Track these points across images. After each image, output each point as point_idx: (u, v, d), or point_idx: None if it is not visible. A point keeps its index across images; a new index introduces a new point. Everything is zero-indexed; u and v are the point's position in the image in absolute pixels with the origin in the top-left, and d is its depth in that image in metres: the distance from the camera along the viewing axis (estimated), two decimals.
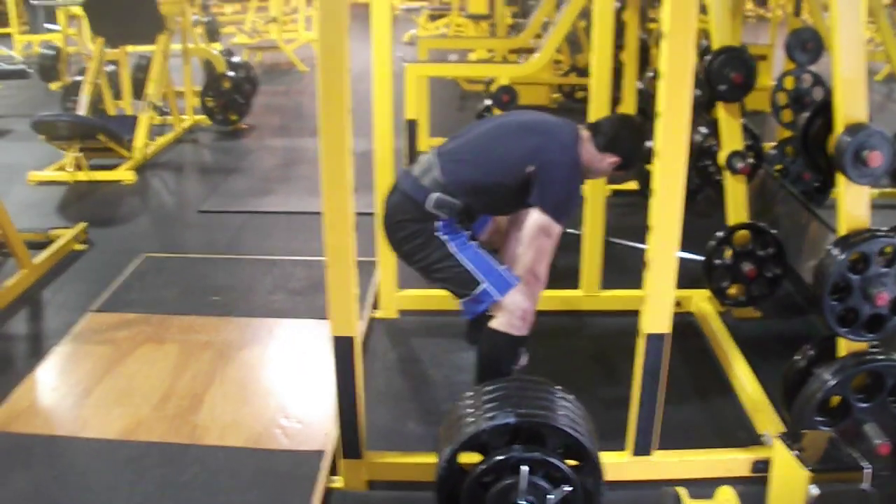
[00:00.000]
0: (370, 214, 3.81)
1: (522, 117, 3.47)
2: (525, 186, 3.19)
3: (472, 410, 2.60)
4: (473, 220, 3.46)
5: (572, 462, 2.54)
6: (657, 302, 2.72)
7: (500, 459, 2.48)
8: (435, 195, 3.19)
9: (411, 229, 3.25)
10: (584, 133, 3.34)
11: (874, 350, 3.01)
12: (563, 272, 4.43)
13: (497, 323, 3.19)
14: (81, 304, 4.48)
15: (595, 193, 4.19)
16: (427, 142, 6.74)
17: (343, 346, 2.72)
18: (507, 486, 2.47)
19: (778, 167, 5.10)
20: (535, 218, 3.16)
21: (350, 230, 2.57)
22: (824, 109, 3.14)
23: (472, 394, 2.70)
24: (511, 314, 3.15)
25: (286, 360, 3.97)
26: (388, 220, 3.35)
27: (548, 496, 2.44)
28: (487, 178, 3.24)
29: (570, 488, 2.47)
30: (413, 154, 4.91)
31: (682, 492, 2.10)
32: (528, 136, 3.28)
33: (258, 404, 3.57)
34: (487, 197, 3.28)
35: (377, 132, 3.95)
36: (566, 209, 3.22)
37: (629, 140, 3.34)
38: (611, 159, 3.30)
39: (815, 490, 1.66)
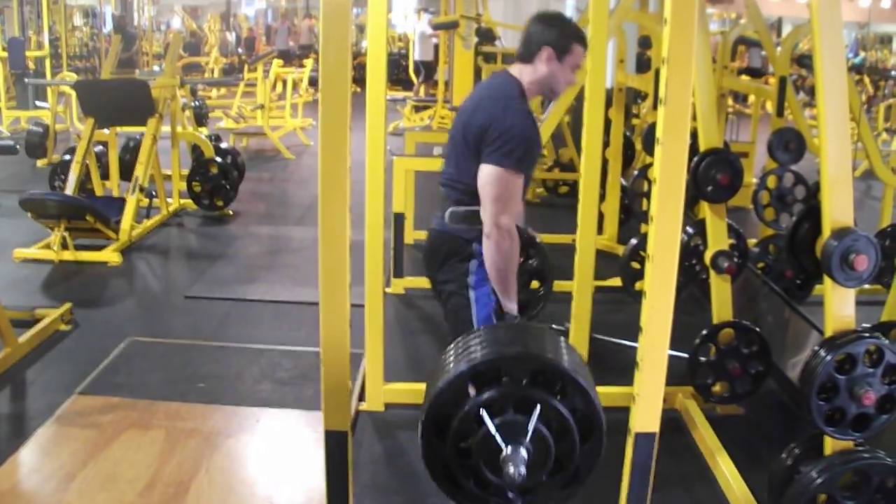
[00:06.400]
0: (360, 306, 3.84)
1: (465, 101, 3.42)
2: None
3: (485, 342, 2.45)
4: None
5: None
6: (647, 401, 2.74)
7: (514, 393, 2.33)
8: (448, 210, 3.21)
9: (447, 262, 3.26)
10: (516, 68, 3.26)
11: (860, 448, 3.05)
12: None
13: None
14: (66, 386, 4.45)
15: (581, 291, 4.24)
16: (412, 234, 6.84)
17: (336, 441, 2.72)
18: (510, 423, 2.32)
19: (761, 265, 5.17)
20: (480, 173, 3.07)
21: (346, 325, 2.59)
22: (810, 214, 3.22)
23: (482, 331, 2.57)
24: None
25: (273, 451, 3.96)
26: (427, 258, 3.38)
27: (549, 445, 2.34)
28: (467, 177, 3.15)
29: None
30: (399, 247, 4.96)
31: None
32: (462, 118, 3.24)
33: (245, 494, 3.55)
34: None
35: (369, 224, 4.00)
36: (512, 154, 3.04)
37: (538, 29, 3.21)
38: (546, 55, 3.16)
39: None
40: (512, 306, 3.20)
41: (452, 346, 2.51)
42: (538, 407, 2.31)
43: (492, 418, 2.32)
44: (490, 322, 3.17)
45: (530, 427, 2.30)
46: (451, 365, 2.41)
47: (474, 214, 3.13)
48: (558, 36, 3.16)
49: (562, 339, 2.55)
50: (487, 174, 3.04)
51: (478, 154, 3.09)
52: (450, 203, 3.23)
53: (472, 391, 2.37)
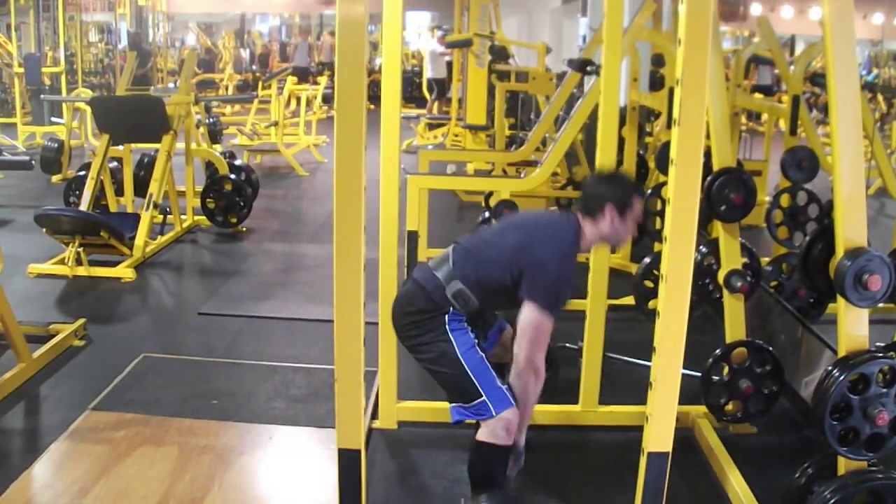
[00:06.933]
0: (374, 324, 3.84)
1: (524, 218, 3.58)
2: (519, 284, 3.25)
3: None
4: (487, 327, 3.54)
5: None
6: (660, 421, 2.74)
7: None
8: (456, 286, 3.27)
9: (419, 319, 3.30)
10: (578, 216, 3.41)
11: (874, 468, 3.04)
12: (563, 387, 4.45)
13: (482, 434, 3.22)
14: (79, 401, 4.46)
15: (594, 309, 4.23)
16: (426, 252, 6.81)
17: (349, 459, 2.73)
18: None
19: (774, 283, 5.16)
20: (525, 313, 3.19)
21: (360, 343, 2.61)
22: (823, 233, 3.22)
23: None
24: (495, 425, 3.17)
25: (286, 468, 3.95)
26: (397, 309, 3.42)
27: None
28: (486, 274, 3.30)
29: None
30: (413, 265, 4.93)
31: None
32: (519, 235, 3.36)
33: None
34: (490, 293, 3.32)
35: (383, 242, 4.01)
36: (556, 301, 3.23)
37: (601, 188, 3.39)
38: (609, 214, 3.31)
39: None
40: (521, 439, 3.40)
41: None
42: None
43: None
44: (476, 357, 3.24)
45: None
46: None
47: (468, 299, 3.28)
48: (619, 194, 3.34)
49: None
50: (530, 317, 3.20)
51: (517, 277, 3.24)
52: (453, 272, 3.32)
53: None
